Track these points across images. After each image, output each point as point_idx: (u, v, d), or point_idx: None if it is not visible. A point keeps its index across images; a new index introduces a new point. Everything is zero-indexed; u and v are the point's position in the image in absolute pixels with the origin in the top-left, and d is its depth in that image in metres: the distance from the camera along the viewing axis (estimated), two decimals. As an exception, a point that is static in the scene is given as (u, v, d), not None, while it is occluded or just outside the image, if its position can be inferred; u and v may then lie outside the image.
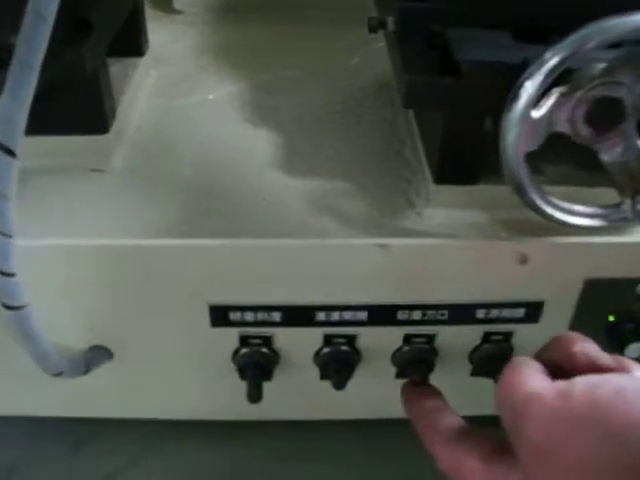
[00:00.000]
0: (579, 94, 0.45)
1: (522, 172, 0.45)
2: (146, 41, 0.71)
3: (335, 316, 0.52)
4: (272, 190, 0.54)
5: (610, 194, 0.48)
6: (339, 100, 0.66)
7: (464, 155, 0.51)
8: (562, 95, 0.45)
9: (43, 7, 0.36)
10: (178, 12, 0.85)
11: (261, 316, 0.52)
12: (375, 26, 0.54)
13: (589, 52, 0.42)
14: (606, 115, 0.45)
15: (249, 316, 0.52)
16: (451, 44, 0.48)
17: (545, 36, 0.53)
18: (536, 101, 0.44)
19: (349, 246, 0.49)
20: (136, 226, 0.51)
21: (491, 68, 0.46)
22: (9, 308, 0.43)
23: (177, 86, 0.69)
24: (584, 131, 0.46)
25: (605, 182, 0.49)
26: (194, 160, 0.58)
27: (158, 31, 0.77)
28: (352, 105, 0.66)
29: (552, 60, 0.42)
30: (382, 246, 0.48)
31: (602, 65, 0.45)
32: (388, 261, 0.49)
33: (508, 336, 0.55)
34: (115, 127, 0.58)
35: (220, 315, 0.52)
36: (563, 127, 0.46)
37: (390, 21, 0.53)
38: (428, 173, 0.54)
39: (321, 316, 0.52)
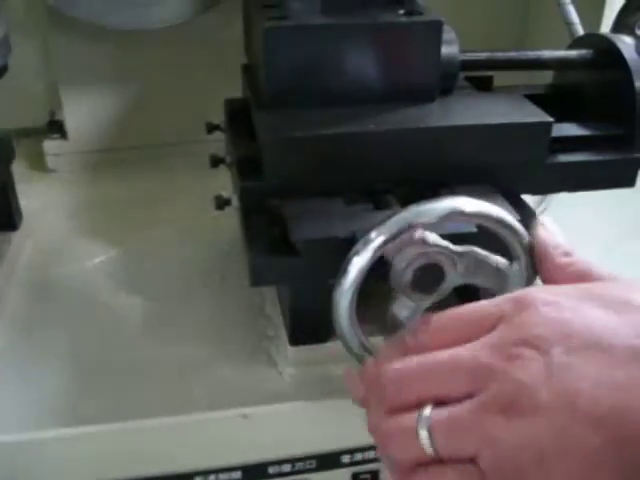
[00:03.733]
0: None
1: (355, 339, 0.50)
2: (19, 214, 0.74)
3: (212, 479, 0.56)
4: (145, 362, 0.58)
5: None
6: (205, 257, 0.71)
7: (313, 319, 0.55)
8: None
9: None
10: (52, 171, 0.89)
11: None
12: (222, 203, 0.59)
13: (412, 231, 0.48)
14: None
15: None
16: (287, 222, 0.53)
17: (374, 197, 0.59)
18: (365, 273, 0.48)
19: (215, 419, 0.53)
20: (17, 414, 0.53)
21: (324, 245, 0.52)
22: None
23: (52, 256, 0.72)
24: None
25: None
26: (72, 335, 0.61)
27: (32, 194, 0.81)
28: (217, 262, 0.70)
29: (377, 240, 0.47)
30: (244, 416, 0.52)
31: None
32: (252, 427, 0.53)
33: (375, 474, 0.59)
34: (-9, 311, 0.61)
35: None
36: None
37: (234, 199, 0.58)
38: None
39: (198, 480, 0.56)
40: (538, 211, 0.67)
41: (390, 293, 0.50)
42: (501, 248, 0.50)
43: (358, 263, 0.48)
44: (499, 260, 0.50)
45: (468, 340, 0.39)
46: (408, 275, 0.49)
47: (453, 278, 0.50)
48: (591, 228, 0.79)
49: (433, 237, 0.49)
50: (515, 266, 0.50)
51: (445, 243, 0.49)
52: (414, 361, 0.41)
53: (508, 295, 0.41)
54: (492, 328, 0.39)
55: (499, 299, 0.41)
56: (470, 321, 0.41)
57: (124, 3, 0.78)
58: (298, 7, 0.63)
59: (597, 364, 0.33)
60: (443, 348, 0.40)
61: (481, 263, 0.50)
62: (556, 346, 0.35)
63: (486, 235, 0.50)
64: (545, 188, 0.65)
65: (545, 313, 0.37)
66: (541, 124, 0.60)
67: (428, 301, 0.50)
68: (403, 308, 0.50)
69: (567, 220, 0.71)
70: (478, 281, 0.51)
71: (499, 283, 0.51)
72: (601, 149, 0.65)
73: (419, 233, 0.48)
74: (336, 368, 0.56)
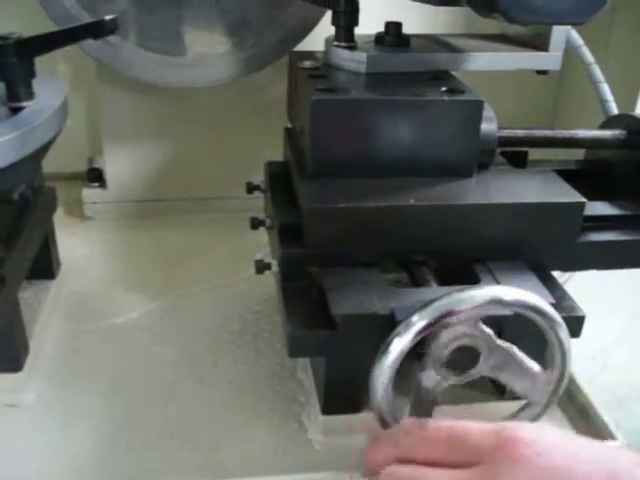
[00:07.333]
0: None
1: (390, 416, 0.51)
2: (58, 263, 0.76)
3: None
4: (176, 423, 0.59)
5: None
6: (237, 318, 0.72)
7: (346, 389, 0.56)
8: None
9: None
10: (90, 218, 0.91)
11: None
12: (262, 268, 0.61)
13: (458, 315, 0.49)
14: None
15: None
16: (326, 294, 0.55)
17: (410, 269, 0.61)
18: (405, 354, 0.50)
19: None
20: (48, 471, 0.54)
21: (363, 320, 0.53)
22: None
23: (88, 308, 0.74)
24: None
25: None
26: (106, 391, 0.63)
27: (69, 242, 0.83)
28: (250, 322, 0.72)
29: (418, 324, 0.49)
30: (275, 484, 0.53)
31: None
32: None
33: None
34: (29, 362, 0.62)
35: None
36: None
37: (274, 264, 0.60)
38: (317, 400, 0.59)
39: None
40: (562, 280, 0.68)
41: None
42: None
43: (399, 344, 0.49)
44: (534, 366, 0.52)
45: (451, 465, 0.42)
46: (446, 352, 0.50)
47: (484, 367, 0.51)
48: (617, 297, 0.80)
49: (480, 323, 0.51)
50: (547, 375, 0.53)
51: (490, 332, 0.50)
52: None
53: (498, 426, 0.42)
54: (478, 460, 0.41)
55: (490, 428, 0.42)
56: (461, 448, 0.43)
57: (171, 63, 0.80)
58: (344, 80, 0.65)
59: None
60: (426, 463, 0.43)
61: (515, 363, 0.52)
62: None
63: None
64: (575, 265, 0.66)
65: (527, 459, 0.38)
66: (575, 204, 0.62)
67: (453, 381, 0.52)
68: (429, 378, 0.51)
69: (592, 288, 0.72)
70: (505, 378, 0.52)
71: (525, 386, 0.53)
72: (632, 228, 0.66)
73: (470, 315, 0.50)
74: (366, 439, 0.57)
